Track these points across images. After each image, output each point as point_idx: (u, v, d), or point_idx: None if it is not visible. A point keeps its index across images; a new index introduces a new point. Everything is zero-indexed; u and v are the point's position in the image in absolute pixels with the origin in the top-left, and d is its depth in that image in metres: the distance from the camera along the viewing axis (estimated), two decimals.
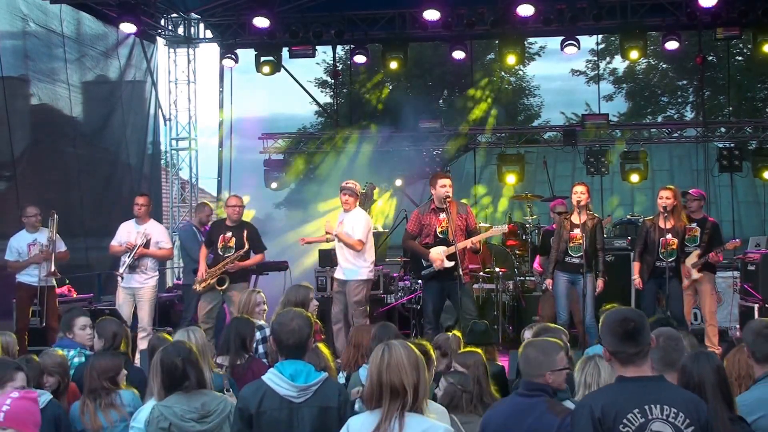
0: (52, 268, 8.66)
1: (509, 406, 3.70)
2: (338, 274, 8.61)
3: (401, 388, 3.17)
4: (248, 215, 10.94)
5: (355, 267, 8.45)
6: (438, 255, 7.94)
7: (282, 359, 3.83)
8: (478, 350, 4.94)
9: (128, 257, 8.75)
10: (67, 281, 10.09)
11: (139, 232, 8.88)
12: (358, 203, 8.62)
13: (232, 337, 5.19)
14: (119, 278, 8.80)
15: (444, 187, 8.03)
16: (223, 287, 8.54)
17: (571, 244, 8.22)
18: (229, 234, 8.69)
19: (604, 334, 3.25)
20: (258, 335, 5.83)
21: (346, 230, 8.42)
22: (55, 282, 8.93)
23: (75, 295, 10.14)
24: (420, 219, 8.20)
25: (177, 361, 4.11)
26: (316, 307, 6.50)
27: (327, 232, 8.60)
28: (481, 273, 10.23)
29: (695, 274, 8.71)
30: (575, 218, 8.33)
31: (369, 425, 3.22)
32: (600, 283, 8.17)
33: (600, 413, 3.07)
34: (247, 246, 8.67)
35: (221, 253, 8.66)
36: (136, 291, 8.80)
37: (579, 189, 8.36)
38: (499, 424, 3.60)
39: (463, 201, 10.06)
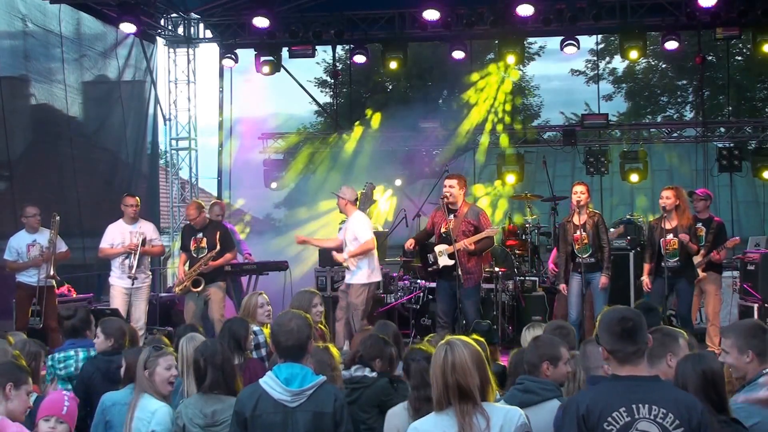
0: (52, 272, 8.65)
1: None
2: (346, 276, 8.63)
3: (467, 389, 3.17)
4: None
5: (356, 269, 8.40)
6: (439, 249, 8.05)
7: (280, 362, 3.81)
8: (482, 339, 4.96)
9: (132, 258, 8.75)
10: (66, 282, 10.07)
11: (134, 232, 8.88)
12: (355, 205, 8.55)
13: (227, 338, 5.18)
14: (131, 279, 8.78)
15: (444, 187, 8.10)
16: (198, 289, 8.72)
17: (577, 246, 8.24)
18: (200, 235, 8.90)
19: (601, 333, 3.25)
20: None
21: (348, 237, 8.40)
22: (54, 282, 8.91)
23: (75, 295, 10.13)
24: (433, 216, 8.30)
25: (200, 360, 4.23)
26: (321, 312, 6.45)
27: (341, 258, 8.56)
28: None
29: (700, 274, 8.71)
30: (576, 219, 8.34)
31: (443, 428, 3.20)
32: (603, 279, 8.17)
33: (585, 411, 3.08)
34: (219, 246, 8.81)
35: (195, 255, 8.85)
36: (134, 291, 8.82)
37: (579, 189, 8.34)
38: None
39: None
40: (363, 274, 8.33)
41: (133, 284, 8.79)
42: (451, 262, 7.91)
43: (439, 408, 3.24)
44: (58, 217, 8.72)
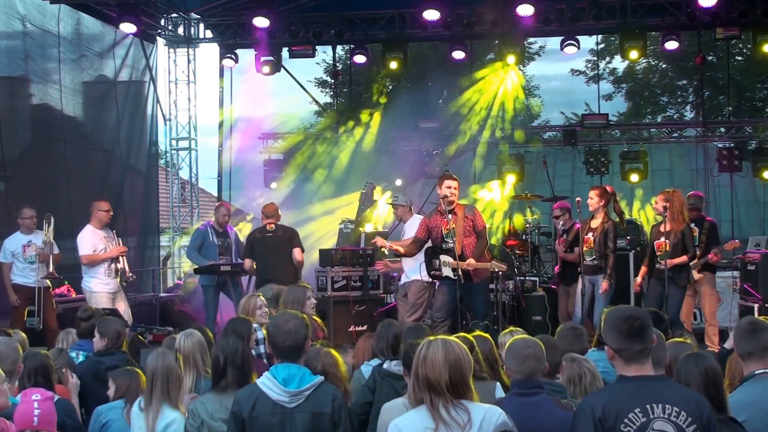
0: (50, 269, 8.64)
1: (515, 406, 3.63)
2: (403, 278, 9.00)
3: (435, 384, 3.20)
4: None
5: (411, 269, 8.69)
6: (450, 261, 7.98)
7: (277, 362, 3.80)
8: (470, 336, 4.97)
9: (123, 261, 8.75)
10: (66, 281, 10.06)
11: (108, 237, 8.82)
12: (408, 211, 8.99)
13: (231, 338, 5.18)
14: (123, 281, 8.78)
15: (450, 188, 7.99)
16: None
17: (585, 248, 8.37)
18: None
19: (608, 332, 3.24)
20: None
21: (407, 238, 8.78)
22: (50, 282, 8.88)
23: (74, 295, 10.12)
24: (427, 223, 8.21)
25: (220, 357, 4.23)
26: (314, 305, 6.50)
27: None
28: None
29: (695, 275, 8.72)
30: (592, 222, 8.50)
31: (423, 423, 3.20)
32: (605, 284, 8.26)
33: (601, 413, 3.08)
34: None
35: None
36: (116, 293, 8.78)
37: (591, 193, 8.55)
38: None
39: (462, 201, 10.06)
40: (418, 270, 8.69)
41: (119, 287, 8.75)
42: (452, 275, 7.89)
43: (416, 402, 3.28)
44: (52, 218, 8.71)
